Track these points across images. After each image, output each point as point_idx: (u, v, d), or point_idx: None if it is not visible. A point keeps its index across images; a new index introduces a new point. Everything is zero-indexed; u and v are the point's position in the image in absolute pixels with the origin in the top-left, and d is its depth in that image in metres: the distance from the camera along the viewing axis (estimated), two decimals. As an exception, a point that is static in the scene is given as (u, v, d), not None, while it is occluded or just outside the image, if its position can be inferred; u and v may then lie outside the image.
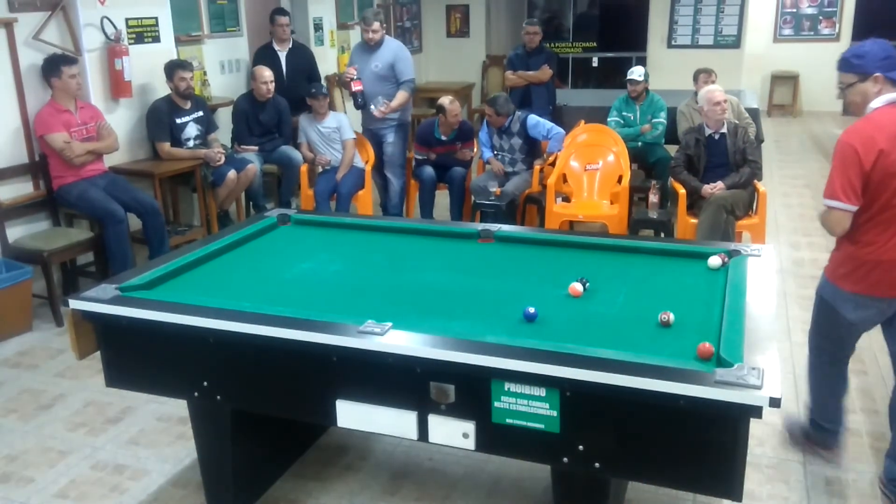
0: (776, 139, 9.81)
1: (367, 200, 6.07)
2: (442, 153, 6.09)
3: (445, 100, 5.98)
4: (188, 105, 5.55)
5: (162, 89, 5.57)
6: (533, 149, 5.98)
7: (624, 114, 6.41)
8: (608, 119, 6.41)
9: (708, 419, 1.96)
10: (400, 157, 6.18)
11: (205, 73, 6.50)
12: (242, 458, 2.84)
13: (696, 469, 2.06)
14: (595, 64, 11.94)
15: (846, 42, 11.11)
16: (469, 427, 2.20)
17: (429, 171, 6.04)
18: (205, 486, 2.93)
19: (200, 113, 5.65)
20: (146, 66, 5.50)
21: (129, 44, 5.35)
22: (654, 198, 5.38)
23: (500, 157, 6.00)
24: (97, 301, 2.58)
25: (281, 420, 2.90)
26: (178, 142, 5.53)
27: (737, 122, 5.52)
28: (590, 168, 5.86)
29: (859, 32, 11.13)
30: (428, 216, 6.08)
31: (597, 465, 2.13)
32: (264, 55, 6.65)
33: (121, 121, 5.40)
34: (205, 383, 2.57)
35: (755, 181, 5.17)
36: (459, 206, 6.10)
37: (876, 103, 2.69)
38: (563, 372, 2.03)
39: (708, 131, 5.17)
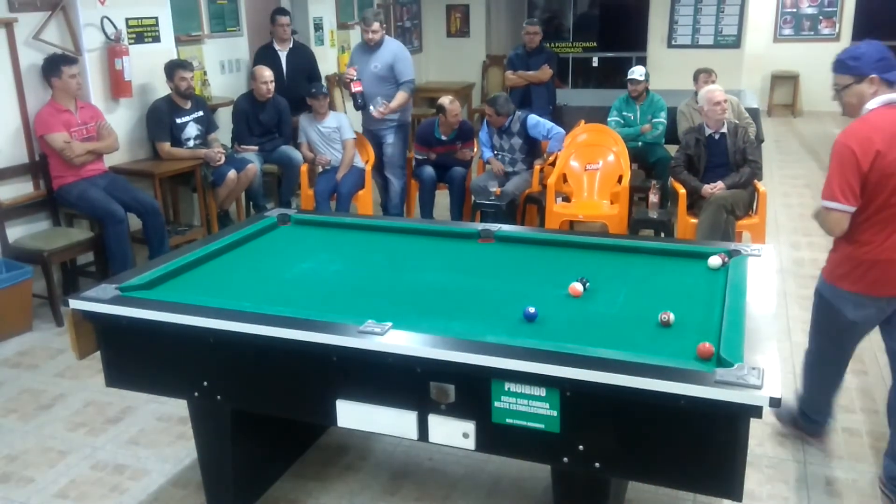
0: (776, 139, 9.81)
1: (367, 200, 6.07)
2: (442, 153, 6.09)
3: (445, 100, 5.98)
4: (188, 105, 5.55)
5: (162, 89, 5.57)
6: (533, 149, 5.98)
7: (624, 114, 6.41)
8: (608, 119, 6.41)
9: (708, 419, 1.96)
10: (400, 157, 6.17)
11: (205, 73, 6.50)
12: (242, 457, 2.84)
13: (697, 469, 2.06)
14: (595, 64, 11.94)
15: (846, 42, 11.10)
16: (469, 427, 2.20)
17: (429, 170, 6.04)
18: (205, 486, 2.93)
19: (200, 113, 5.65)
20: (146, 66, 5.50)
21: (130, 44, 5.35)
22: (654, 198, 5.38)
23: (500, 156, 6.00)
24: (97, 301, 2.58)
25: (281, 420, 2.90)
26: (178, 142, 5.53)
27: (737, 121, 5.52)
28: (590, 168, 5.86)
29: (859, 32, 11.13)
30: (428, 216, 6.08)
31: (597, 464, 2.13)
32: (265, 55, 6.64)
33: (121, 121, 5.41)
34: (205, 383, 2.57)
35: (755, 181, 5.17)
36: (459, 206, 6.10)
37: (871, 104, 2.70)
38: (563, 372, 2.03)
39: (708, 131, 5.17)
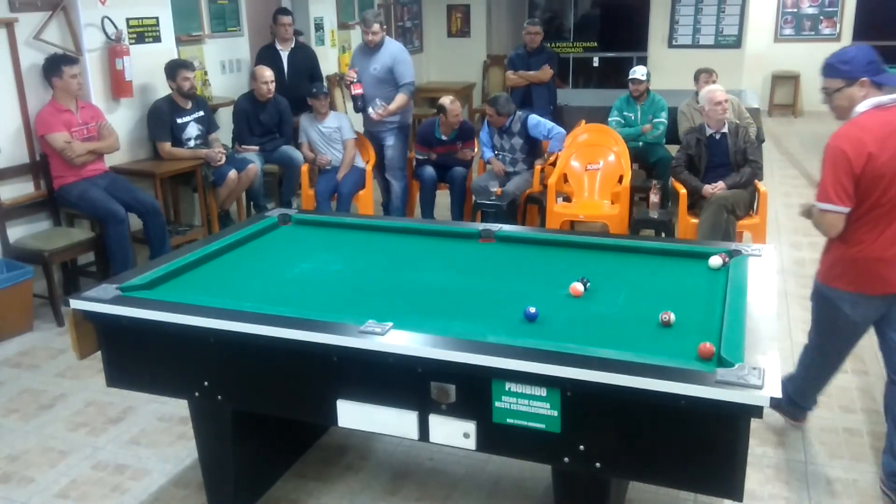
0: (777, 139, 9.80)
1: (367, 200, 6.07)
2: (442, 153, 6.09)
3: (446, 100, 5.97)
4: (189, 105, 5.55)
5: (163, 89, 5.57)
6: (534, 149, 5.98)
7: (625, 114, 6.41)
8: (609, 119, 6.40)
9: (709, 419, 1.96)
10: (400, 160, 6.14)
11: (205, 73, 6.51)
12: (243, 457, 2.84)
13: (697, 469, 2.06)
14: (596, 64, 11.93)
15: (847, 42, 11.10)
16: (470, 427, 2.20)
17: (429, 170, 6.03)
18: (206, 485, 2.93)
19: (201, 113, 5.65)
20: (147, 66, 5.50)
21: (130, 44, 5.35)
22: (654, 198, 5.38)
23: (500, 156, 6.00)
24: (98, 301, 2.58)
25: (282, 420, 2.91)
26: (178, 142, 5.53)
27: (737, 121, 5.52)
28: (591, 168, 5.86)
29: (860, 32, 11.14)
30: (429, 216, 6.08)
31: (598, 464, 2.13)
32: (266, 55, 6.65)
33: (121, 121, 5.41)
34: (206, 383, 2.57)
35: (756, 181, 5.17)
36: (460, 206, 6.10)
37: (861, 107, 2.74)
38: (563, 372, 2.03)
39: (709, 131, 5.17)
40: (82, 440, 3.47)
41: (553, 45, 10.26)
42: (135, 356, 2.69)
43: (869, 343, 3.23)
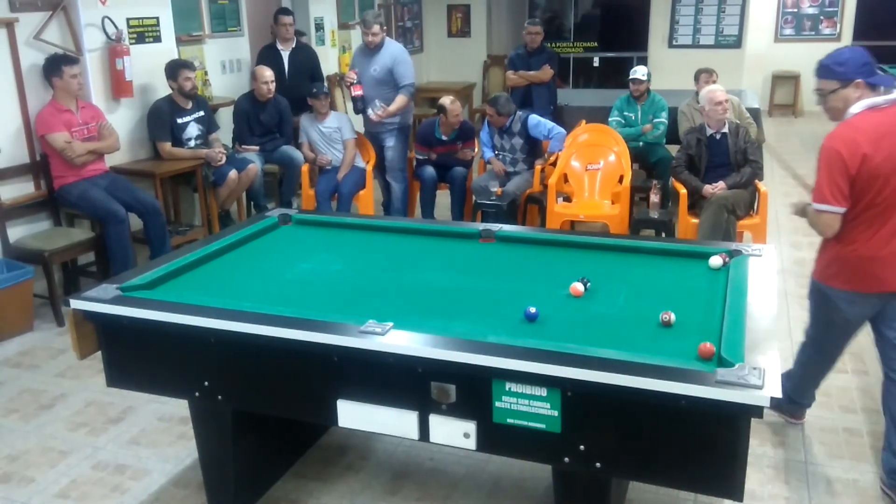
0: (777, 139, 9.80)
1: (368, 200, 6.07)
2: (443, 153, 6.09)
3: (446, 100, 5.97)
4: (189, 105, 5.55)
5: (163, 89, 5.57)
6: (534, 149, 5.98)
7: (625, 114, 6.41)
8: (609, 119, 6.40)
9: (709, 419, 1.96)
10: (400, 161, 6.13)
11: (206, 73, 6.51)
12: (243, 457, 2.84)
13: (698, 469, 2.06)
14: (596, 64, 11.94)
15: (847, 42, 11.10)
16: (470, 427, 2.20)
17: (430, 170, 6.03)
18: (206, 486, 2.93)
19: (201, 113, 5.65)
20: (147, 66, 5.50)
21: (130, 44, 5.35)
22: (655, 198, 5.38)
23: (501, 156, 6.00)
24: (98, 301, 2.58)
25: (282, 420, 2.91)
26: (179, 142, 5.53)
27: (738, 121, 5.52)
28: (591, 168, 5.86)
29: (860, 32, 11.14)
30: (429, 216, 6.08)
31: (598, 464, 2.13)
32: (267, 55, 6.65)
33: (122, 121, 5.41)
34: (206, 383, 2.57)
35: (756, 181, 5.17)
36: (460, 206, 6.10)
37: (855, 108, 2.77)
38: (564, 372, 2.03)
39: (709, 131, 5.16)
40: (82, 440, 3.47)
41: (553, 45, 10.26)
42: (135, 356, 2.69)
43: (869, 343, 3.23)
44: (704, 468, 2.05)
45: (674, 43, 11.33)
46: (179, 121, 5.51)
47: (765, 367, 1.98)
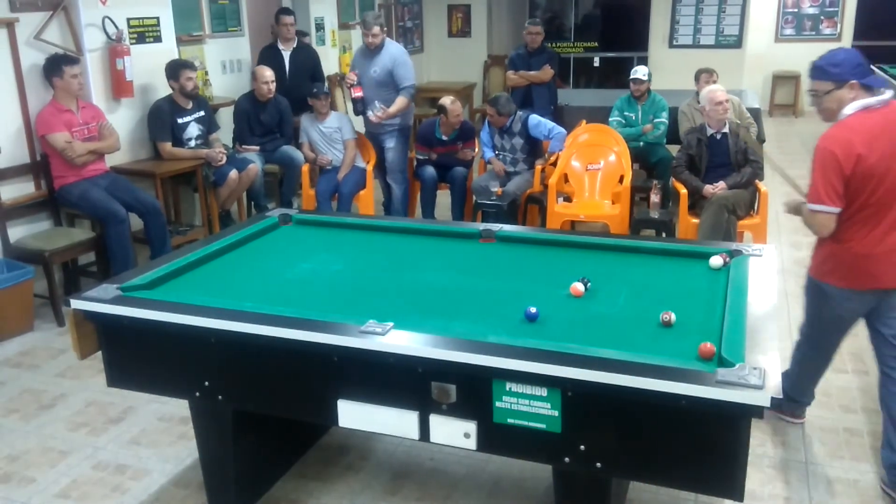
0: (777, 139, 9.79)
1: (368, 200, 6.07)
2: (443, 153, 6.09)
3: (447, 100, 5.97)
4: (190, 105, 5.55)
5: (163, 89, 5.57)
6: (534, 149, 5.98)
7: (626, 114, 6.41)
8: (610, 119, 6.40)
9: (709, 419, 1.96)
10: (401, 163, 6.11)
11: (206, 73, 6.51)
12: (244, 457, 2.84)
13: (698, 469, 2.06)
14: (596, 64, 11.94)
15: (848, 42, 11.10)
16: (470, 427, 2.20)
17: (430, 170, 6.03)
18: (206, 486, 2.93)
19: (202, 113, 5.66)
20: (148, 66, 5.50)
21: (131, 44, 5.35)
22: (655, 198, 5.38)
23: (501, 156, 6.00)
24: (98, 301, 2.58)
25: (282, 420, 2.91)
26: (179, 142, 5.54)
27: (738, 121, 5.52)
28: (591, 168, 5.85)
29: (860, 32, 11.13)
30: (429, 216, 6.08)
31: (598, 464, 2.13)
32: (268, 55, 6.65)
33: (122, 121, 5.41)
34: (206, 383, 2.57)
35: (757, 181, 5.17)
36: (461, 206, 6.10)
37: (849, 109, 2.79)
38: (564, 372, 2.03)
39: (710, 131, 5.16)
40: (83, 440, 3.47)
41: (554, 45, 10.26)
42: (135, 356, 2.69)
43: (868, 343, 3.23)
44: (705, 468, 2.05)
45: (674, 43, 11.33)
46: (180, 121, 5.51)
47: (765, 368, 1.98)
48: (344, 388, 2.36)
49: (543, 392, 2.09)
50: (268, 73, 6.00)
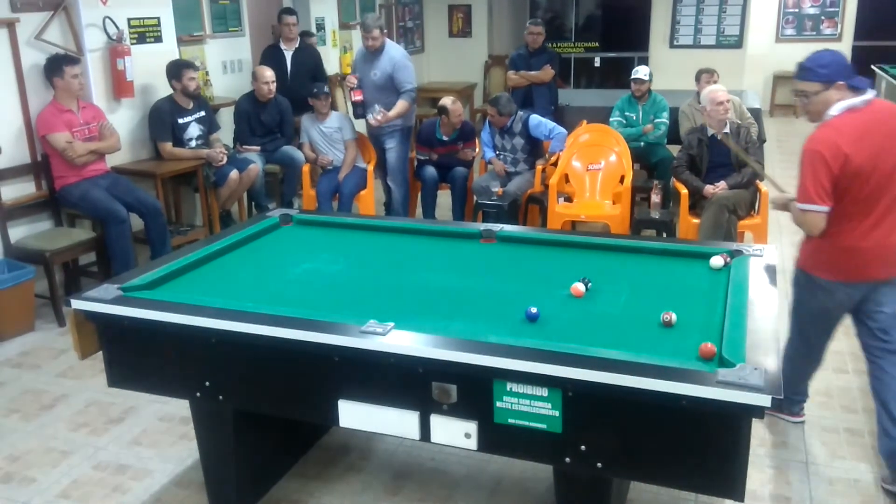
0: (778, 139, 9.79)
1: (369, 200, 6.07)
2: (444, 153, 6.09)
3: (447, 100, 5.97)
4: (190, 105, 5.56)
5: (164, 89, 5.57)
6: (535, 149, 5.98)
7: (626, 114, 6.41)
8: (610, 119, 6.40)
9: (710, 419, 1.96)
10: (401, 165, 6.08)
11: (207, 73, 6.51)
12: (245, 458, 2.84)
13: (698, 469, 2.06)
14: (597, 64, 11.94)
15: (848, 42, 11.10)
16: (471, 427, 2.20)
17: (430, 171, 6.03)
18: (207, 486, 2.93)
19: (202, 113, 5.66)
20: (148, 67, 5.51)
21: (132, 44, 5.36)
22: (656, 198, 5.38)
23: (502, 157, 6.00)
24: (99, 301, 2.58)
25: (283, 420, 2.91)
26: (180, 142, 5.54)
27: (739, 121, 5.52)
28: (592, 168, 5.85)
29: (861, 32, 11.13)
30: (430, 216, 6.08)
31: (599, 465, 2.13)
32: (270, 55, 6.66)
33: (123, 121, 5.41)
34: (207, 383, 2.57)
35: (757, 181, 5.17)
36: (461, 207, 6.10)
37: (834, 110, 2.83)
38: (565, 372, 2.03)
39: (710, 131, 5.16)
40: (84, 440, 3.47)
41: (554, 45, 10.26)
42: (136, 356, 2.70)
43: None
44: (705, 468, 2.04)
45: (675, 43, 11.33)
46: (180, 121, 5.51)
47: (766, 368, 1.98)
48: (345, 388, 2.36)
49: (544, 392, 2.09)
50: (268, 74, 6.00)
